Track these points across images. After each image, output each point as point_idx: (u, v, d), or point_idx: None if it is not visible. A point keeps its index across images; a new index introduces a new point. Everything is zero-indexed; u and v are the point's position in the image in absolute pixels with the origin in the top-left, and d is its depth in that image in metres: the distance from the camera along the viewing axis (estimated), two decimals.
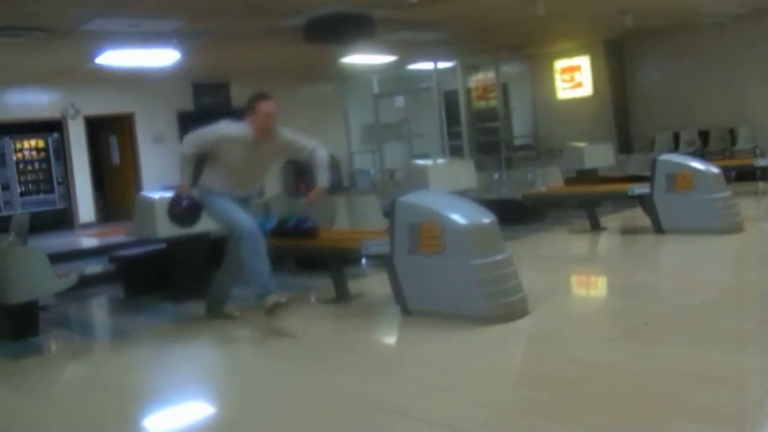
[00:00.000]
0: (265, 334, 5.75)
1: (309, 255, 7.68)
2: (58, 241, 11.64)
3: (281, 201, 10.09)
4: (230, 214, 5.88)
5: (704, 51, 15.26)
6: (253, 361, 5.37)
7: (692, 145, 14.83)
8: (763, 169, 11.86)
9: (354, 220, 8.80)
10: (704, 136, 15.19)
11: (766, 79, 14.38)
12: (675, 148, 14.96)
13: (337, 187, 14.10)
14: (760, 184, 12.00)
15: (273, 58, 13.48)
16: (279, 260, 6.81)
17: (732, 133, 14.84)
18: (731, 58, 14.80)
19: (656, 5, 12.20)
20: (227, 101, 16.19)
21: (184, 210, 5.91)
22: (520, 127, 18.66)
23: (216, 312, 6.42)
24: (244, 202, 6.05)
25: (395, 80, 18.07)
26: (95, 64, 11.38)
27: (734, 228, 8.43)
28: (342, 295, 6.68)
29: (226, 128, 5.93)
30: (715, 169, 8.74)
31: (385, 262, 5.94)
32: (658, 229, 8.78)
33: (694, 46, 15.38)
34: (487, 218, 5.60)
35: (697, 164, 8.84)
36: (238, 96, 16.12)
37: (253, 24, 10.07)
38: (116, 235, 10.50)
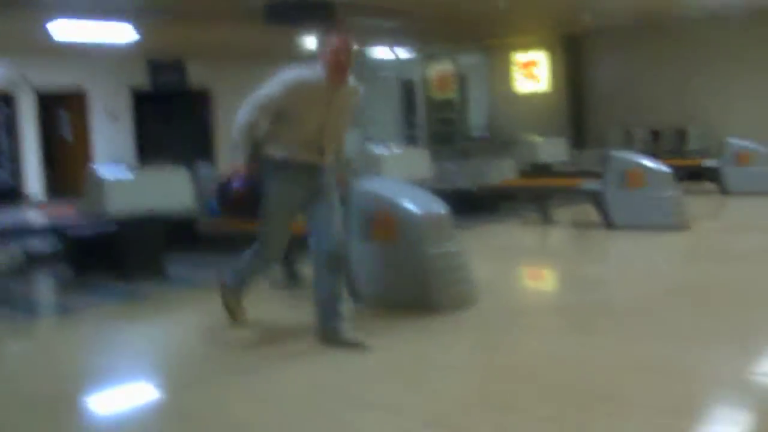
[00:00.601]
0: (216, 320, 5.71)
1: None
2: (4, 218, 11.41)
3: None
4: (274, 225, 4.88)
5: (660, 52, 15.52)
6: (200, 346, 5.32)
7: (644, 143, 15.04)
8: (710, 170, 12.10)
9: None
10: (656, 135, 15.45)
11: (717, 82, 14.66)
12: (627, 145, 15.17)
13: None
14: (707, 185, 12.23)
15: (232, 39, 13.36)
16: (231, 242, 6.77)
17: (683, 134, 15.10)
18: (685, 60, 15.07)
19: (616, 4, 12.34)
20: (183, 80, 16.01)
21: (236, 196, 4.68)
22: (477, 119, 18.76)
23: (235, 296, 5.29)
24: (318, 176, 4.84)
25: (355, 68, 17.99)
26: (47, 32, 11.10)
27: (682, 225, 8.59)
28: (294, 281, 6.65)
29: (294, 75, 4.70)
30: (666, 168, 8.89)
31: None
32: (609, 224, 8.91)
33: (650, 47, 15.63)
34: (440, 208, 5.62)
35: (649, 162, 8.99)
36: (196, 75, 15.96)
37: (214, 3, 9.96)
38: (66, 212, 10.32)
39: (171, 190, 7.65)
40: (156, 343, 5.51)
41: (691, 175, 12.33)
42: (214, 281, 5.65)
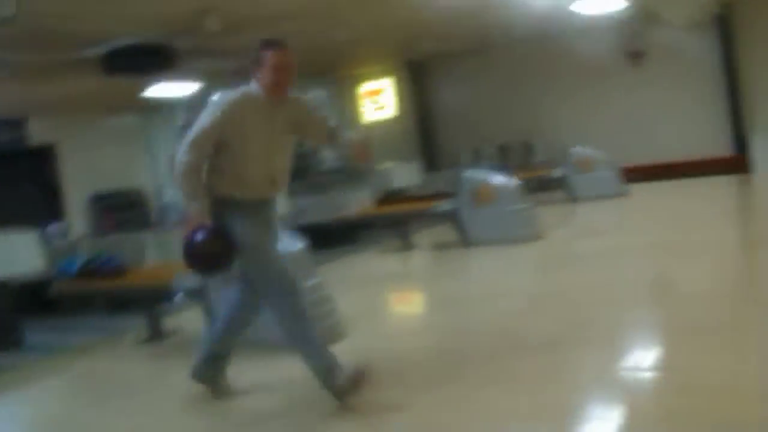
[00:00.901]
0: (72, 378, 5.49)
1: (120, 294, 7.43)
2: None
3: (88, 240, 9.70)
4: (268, 255, 4.23)
5: (500, 71, 16.12)
6: (58, 407, 5.11)
7: (492, 160, 15.54)
8: (559, 179, 12.63)
9: (165, 256, 8.56)
10: (504, 150, 15.99)
11: (556, 95, 15.34)
12: (478, 162, 15.63)
13: (144, 223, 13.75)
14: (557, 193, 12.74)
15: (73, 91, 12.96)
16: (88, 302, 6.56)
17: (529, 146, 15.70)
18: (527, 77, 15.70)
19: (452, 30, 12.75)
20: (24, 138, 15.37)
21: (205, 249, 4.05)
22: (329, 152, 18.82)
23: (210, 376, 4.53)
24: (270, 212, 4.36)
25: (203, 110, 17.76)
26: None
27: (535, 236, 8.92)
28: (156, 334, 6.50)
29: (229, 97, 4.17)
30: (513, 181, 9.22)
31: (197, 296, 5.84)
32: (466, 242, 9.15)
33: (491, 67, 16.21)
34: (298, 244, 5.63)
35: (497, 178, 9.30)
36: (38, 131, 15.37)
37: (49, 56, 9.66)
38: None
39: (19, 254, 7.35)
40: (14, 408, 5.26)
41: (541, 185, 12.83)
42: (72, 346, 5.41)
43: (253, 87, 4.21)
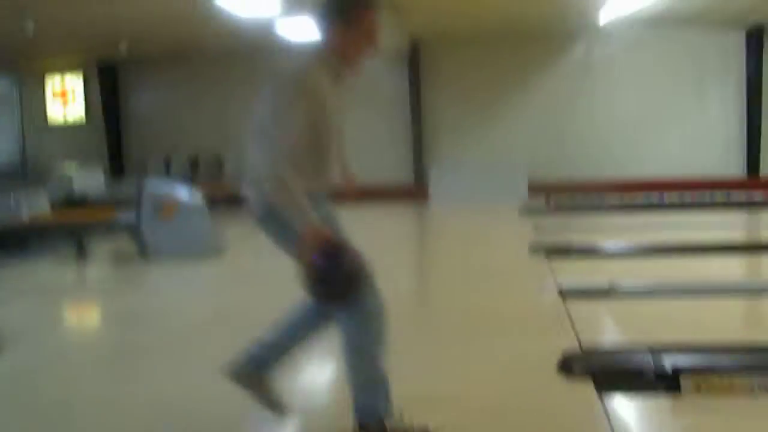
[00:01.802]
0: None
1: None
2: None
3: None
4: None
5: (196, 81, 15.92)
6: None
7: (183, 171, 15.27)
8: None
9: None
10: (195, 162, 15.77)
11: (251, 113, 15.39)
12: (167, 173, 15.29)
13: None
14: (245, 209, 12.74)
15: None
16: None
17: (220, 160, 15.61)
18: (220, 89, 15.62)
19: (149, 33, 12.36)
20: None
21: (330, 274, 3.11)
22: (5, 151, 17.45)
23: (252, 373, 3.52)
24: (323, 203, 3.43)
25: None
26: None
27: (218, 252, 8.83)
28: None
29: (307, 75, 3.23)
30: (199, 196, 9.08)
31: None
32: (147, 255, 8.84)
33: (187, 76, 15.96)
34: None
35: (182, 191, 9.11)
36: None
37: None
38: None
39: None
40: None
41: (230, 200, 12.76)
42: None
43: (318, 59, 3.31)
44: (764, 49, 14.68)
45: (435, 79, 15.06)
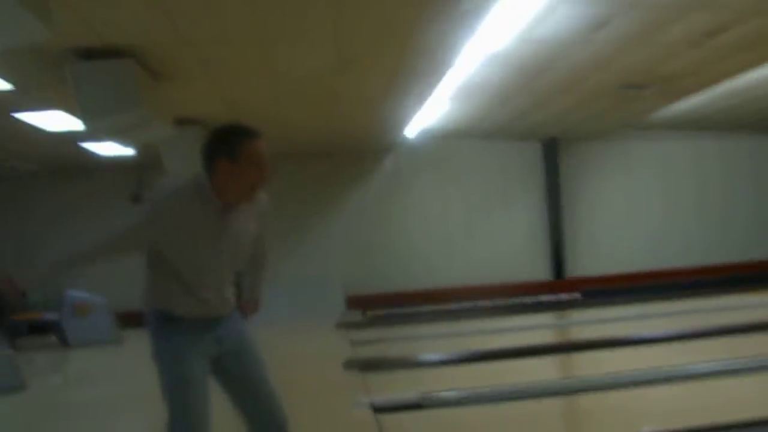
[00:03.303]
0: None
1: None
2: None
3: None
4: (184, 400, 3.22)
5: None
6: None
7: None
8: (51, 322, 11.95)
9: None
10: None
11: (56, 231, 14.65)
12: None
13: None
14: (50, 338, 12.04)
15: None
16: None
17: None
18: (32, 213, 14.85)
19: None
20: None
21: None
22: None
23: None
24: (220, 327, 3.39)
25: None
26: None
27: (18, 385, 8.22)
28: None
29: (167, 200, 3.22)
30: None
31: None
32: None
33: None
34: None
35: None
36: None
37: None
38: None
39: None
40: None
41: (33, 329, 12.05)
42: None
43: (200, 187, 3.24)
44: (559, 159, 15.69)
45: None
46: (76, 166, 14.11)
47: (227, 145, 3.20)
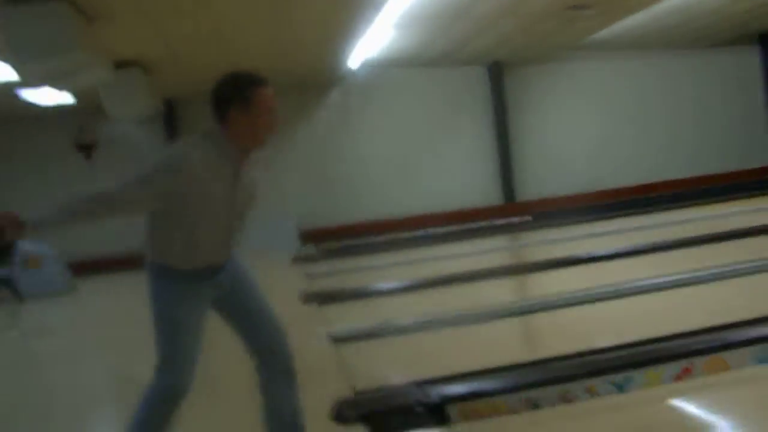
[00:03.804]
0: None
1: None
2: None
3: None
4: (179, 347, 3.30)
5: None
6: None
7: None
8: (4, 276, 11.78)
9: None
10: None
11: None
12: None
13: None
14: (6, 292, 11.88)
15: None
16: None
17: None
18: None
19: None
20: None
21: None
22: None
23: None
24: (215, 279, 3.38)
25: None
26: None
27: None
28: None
29: (190, 162, 3.16)
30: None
31: None
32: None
33: None
34: None
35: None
36: None
37: None
38: None
39: None
40: None
41: None
42: None
43: (219, 144, 3.26)
44: (504, 83, 15.70)
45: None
46: (15, 118, 13.78)
47: (239, 93, 3.24)
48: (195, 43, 10.11)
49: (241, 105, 3.22)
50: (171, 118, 14.72)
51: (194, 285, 3.31)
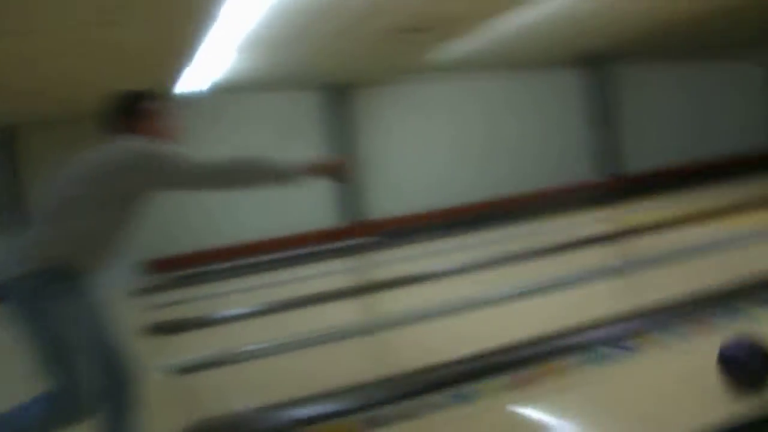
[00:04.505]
0: None
1: None
2: None
3: None
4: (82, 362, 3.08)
5: None
6: None
7: None
8: None
9: None
10: None
11: None
12: None
13: None
14: None
15: None
16: None
17: None
18: None
19: None
20: None
21: None
22: None
23: None
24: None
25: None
26: None
27: None
28: None
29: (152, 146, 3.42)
30: None
31: None
32: None
33: None
34: None
35: None
36: None
37: None
38: None
39: None
40: None
41: None
42: None
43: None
44: (349, 104, 15.86)
45: (37, 164, 14.05)
46: None
47: (140, 105, 3.51)
48: (14, 67, 9.58)
49: (148, 114, 3.53)
50: (10, 145, 13.98)
51: (81, 291, 3.26)
